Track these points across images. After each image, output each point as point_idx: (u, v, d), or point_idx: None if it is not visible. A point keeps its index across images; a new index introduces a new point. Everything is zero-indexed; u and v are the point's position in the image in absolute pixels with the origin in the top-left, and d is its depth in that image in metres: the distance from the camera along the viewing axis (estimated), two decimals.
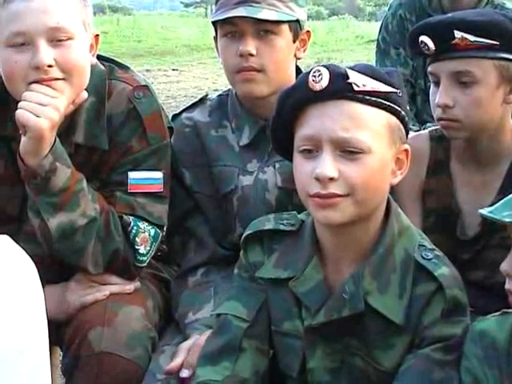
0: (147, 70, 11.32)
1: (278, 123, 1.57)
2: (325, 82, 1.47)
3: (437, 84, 1.88)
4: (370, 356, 1.55)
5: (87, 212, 1.81)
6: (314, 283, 1.57)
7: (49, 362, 1.51)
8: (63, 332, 1.83)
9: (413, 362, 1.51)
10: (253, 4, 1.93)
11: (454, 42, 1.81)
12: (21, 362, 1.44)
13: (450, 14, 1.95)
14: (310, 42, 2.09)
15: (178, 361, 1.77)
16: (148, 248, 1.91)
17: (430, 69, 1.89)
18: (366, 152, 1.47)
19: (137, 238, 1.88)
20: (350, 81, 1.47)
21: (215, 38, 2.06)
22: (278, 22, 1.96)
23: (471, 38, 1.80)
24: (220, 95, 2.15)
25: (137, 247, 1.89)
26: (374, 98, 1.49)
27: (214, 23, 2.02)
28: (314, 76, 1.48)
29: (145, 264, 1.93)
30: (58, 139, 1.77)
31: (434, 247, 1.58)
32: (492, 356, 1.46)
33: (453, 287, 1.51)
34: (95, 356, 1.74)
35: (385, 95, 1.50)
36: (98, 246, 1.83)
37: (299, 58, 2.07)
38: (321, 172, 1.46)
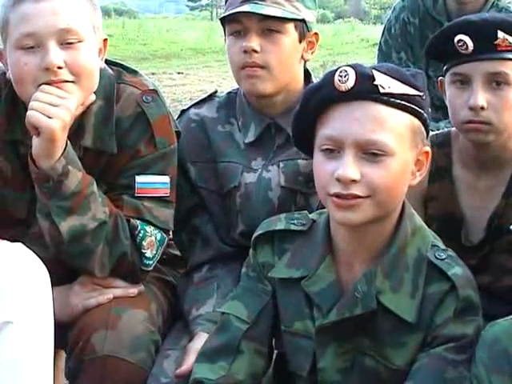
0: (153, 73, 11.29)
1: (300, 119, 1.57)
2: (351, 83, 1.47)
3: (463, 85, 1.85)
4: (382, 355, 1.55)
5: (97, 215, 1.81)
6: (326, 283, 1.58)
7: (52, 365, 1.52)
8: (67, 335, 1.83)
9: (426, 360, 1.51)
10: (258, 1, 1.96)
11: (495, 42, 1.80)
12: (25, 365, 1.45)
13: (488, 15, 1.93)
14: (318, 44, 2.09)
15: (188, 363, 1.75)
16: (154, 252, 1.91)
17: (459, 69, 1.86)
18: (389, 154, 1.48)
19: (144, 242, 1.88)
20: (376, 83, 1.48)
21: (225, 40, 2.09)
22: (283, 20, 1.97)
23: None
24: (229, 93, 2.17)
25: (143, 251, 1.89)
26: (398, 101, 1.49)
27: (223, 23, 2.04)
28: (340, 76, 1.48)
29: (151, 268, 1.93)
30: (69, 142, 1.78)
31: (446, 248, 1.59)
32: (503, 362, 1.46)
33: (466, 287, 1.52)
34: (99, 359, 1.74)
35: (409, 98, 1.50)
36: (106, 249, 1.84)
37: (307, 60, 2.08)
38: (343, 174, 1.47)
